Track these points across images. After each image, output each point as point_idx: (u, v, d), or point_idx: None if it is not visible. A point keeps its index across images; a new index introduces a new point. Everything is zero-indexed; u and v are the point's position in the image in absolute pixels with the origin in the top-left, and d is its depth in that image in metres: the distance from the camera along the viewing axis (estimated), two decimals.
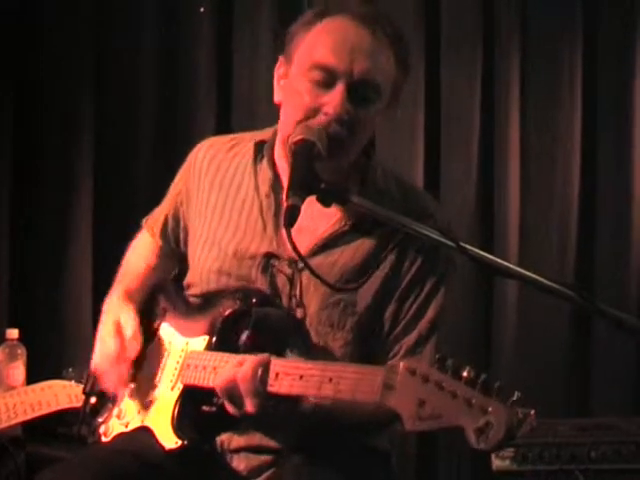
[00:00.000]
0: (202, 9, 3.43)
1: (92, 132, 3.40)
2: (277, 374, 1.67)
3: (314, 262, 1.86)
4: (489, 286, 3.59)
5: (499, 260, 1.63)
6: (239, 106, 3.46)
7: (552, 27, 3.62)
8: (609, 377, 3.60)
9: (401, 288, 1.90)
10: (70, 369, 2.83)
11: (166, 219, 2.13)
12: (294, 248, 1.72)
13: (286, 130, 1.86)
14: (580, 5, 3.63)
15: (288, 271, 1.89)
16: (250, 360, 1.68)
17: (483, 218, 3.62)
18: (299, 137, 1.77)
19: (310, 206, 1.74)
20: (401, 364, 1.47)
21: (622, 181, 3.65)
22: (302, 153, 1.76)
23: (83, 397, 2.11)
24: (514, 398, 1.37)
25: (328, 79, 1.81)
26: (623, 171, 3.65)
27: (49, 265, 3.38)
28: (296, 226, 1.70)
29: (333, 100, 1.79)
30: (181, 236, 2.11)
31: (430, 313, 1.91)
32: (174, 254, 2.15)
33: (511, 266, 1.63)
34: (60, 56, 3.38)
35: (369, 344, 1.90)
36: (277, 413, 1.70)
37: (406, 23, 3.48)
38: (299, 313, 1.88)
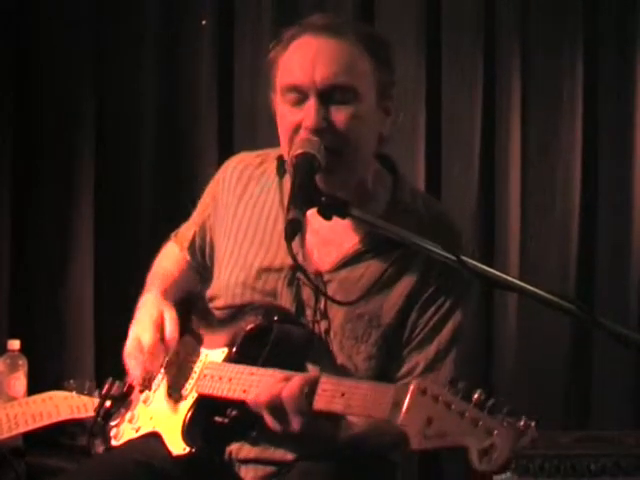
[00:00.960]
0: (204, 22, 3.44)
1: (93, 143, 3.39)
2: None
3: (340, 276, 1.89)
4: (490, 296, 3.59)
5: (499, 273, 1.64)
6: (240, 118, 3.47)
7: (553, 29, 3.63)
8: (610, 389, 3.60)
9: (421, 301, 1.90)
10: (71, 380, 2.84)
11: (194, 235, 2.16)
12: (295, 262, 1.75)
13: (284, 153, 1.90)
14: (581, 9, 3.64)
15: (313, 284, 1.90)
16: (297, 377, 1.68)
17: (484, 222, 3.61)
18: (299, 151, 1.79)
19: (336, 220, 1.76)
20: (413, 383, 1.49)
21: (623, 187, 3.65)
22: (302, 166, 1.77)
23: (87, 412, 2.12)
24: (522, 423, 1.39)
25: (300, 97, 1.84)
26: (624, 177, 3.65)
27: (50, 276, 3.37)
28: (322, 239, 1.75)
29: (307, 113, 1.82)
30: (207, 251, 2.13)
31: (448, 329, 1.91)
32: (201, 269, 2.17)
33: (511, 279, 1.63)
34: (61, 63, 3.38)
35: (393, 358, 1.90)
36: (319, 433, 1.71)
37: (408, 26, 3.51)
38: (323, 326, 1.89)
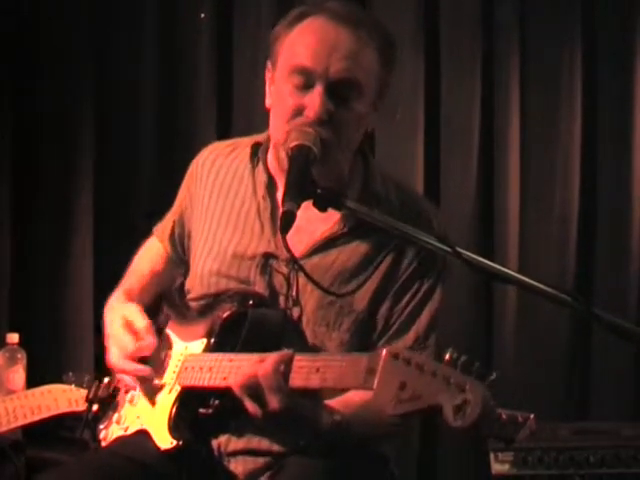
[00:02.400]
0: (202, 15, 3.44)
1: (92, 142, 3.40)
2: None
3: (311, 263, 1.89)
4: (489, 289, 3.59)
5: (495, 265, 1.64)
6: (239, 113, 3.47)
7: (552, 27, 3.62)
8: (609, 381, 3.60)
9: (395, 288, 1.91)
10: (70, 373, 2.83)
11: (173, 226, 2.16)
12: (289, 253, 1.74)
13: (275, 134, 1.89)
14: (579, 8, 3.63)
15: (285, 271, 1.91)
16: (272, 356, 1.68)
17: (483, 221, 3.61)
18: (295, 142, 1.78)
19: (308, 208, 1.75)
20: (385, 349, 1.49)
21: (622, 187, 3.64)
22: (298, 158, 1.77)
23: (85, 404, 2.12)
24: (492, 377, 1.38)
25: (307, 81, 1.82)
26: (623, 176, 3.64)
27: (49, 270, 3.38)
28: (294, 227, 1.71)
29: (312, 102, 1.80)
30: (185, 242, 2.13)
31: (425, 316, 1.93)
32: (181, 262, 2.17)
33: (507, 271, 1.64)
34: (60, 60, 3.39)
35: (366, 345, 1.90)
36: (300, 413, 1.70)
37: (406, 24, 3.50)
38: (295, 313, 1.90)
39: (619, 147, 3.65)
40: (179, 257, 2.17)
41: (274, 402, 1.66)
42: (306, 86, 1.82)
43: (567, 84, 3.64)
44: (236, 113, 3.48)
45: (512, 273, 1.63)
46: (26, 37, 3.35)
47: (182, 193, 2.14)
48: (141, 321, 1.94)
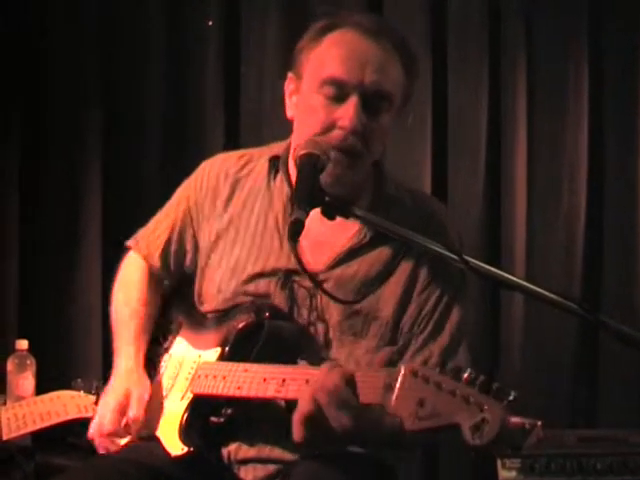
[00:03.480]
0: (210, 22, 3.45)
1: (100, 150, 3.41)
2: (284, 380, 1.71)
3: (335, 274, 1.90)
4: (496, 296, 3.59)
5: (502, 273, 1.65)
6: (247, 119, 3.48)
7: (558, 32, 3.62)
8: (616, 387, 3.59)
9: (420, 290, 1.92)
10: (79, 379, 2.84)
11: (169, 240, 2.11)
12: (299, 262, 1.75)
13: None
14: (586, 11, 3.63)
15: (309, 285, 1.90)
16: (336, 371, 1.64)
17: (490, 225, 3.62)
18: (304, 151, 1.79)
19: (326, 221, 1.76)
20: (403, 366, 1.51)
21: (629, 193, 3.65)
22: (306, 166, 1.78)
23: (93, 410, 2.13)
24: (510, 398, 1.40)
25: (340, 93, 1.83)
26: (630, 183, 3.64)
27: (58, 276, 3.39)
28: (315, 241, 1.75)
29: (347, 113, 1.82)
30: (188, 256, 2.09)
31: (455, 316, 1.93)
32: (168, 276, 2.14)
33: (514, 278, 1.65)
34: (68, 64, 3.39)
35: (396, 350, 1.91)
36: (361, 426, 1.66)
37: (413, 31, 3.50)
38: (320, 325, 1.90)
39: (626, 152, 3.65)
40: (167, 273, 2.13)
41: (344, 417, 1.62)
42: (339, 98, 1.83)
43: (574, 90, 3.64)
44: (244, 120, 3.49)
45: (519, 280, 1.64)
46: (34, 45, 3.36)
47: (182, 206, 2.10)
48: (133, 410, 1.93)
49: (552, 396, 3.53)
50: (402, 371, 1.51)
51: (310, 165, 1.77)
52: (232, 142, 3.41)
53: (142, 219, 3.35)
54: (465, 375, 1.44)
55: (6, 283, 3.33)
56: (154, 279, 2.16)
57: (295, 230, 1.68)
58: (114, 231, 3.41)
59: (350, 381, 1.61)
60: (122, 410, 1.94)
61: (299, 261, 1.74)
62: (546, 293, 1.60)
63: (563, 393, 3.60)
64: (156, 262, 2.14)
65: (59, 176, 3.42)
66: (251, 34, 3.48)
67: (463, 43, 3.59)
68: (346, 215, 1.77)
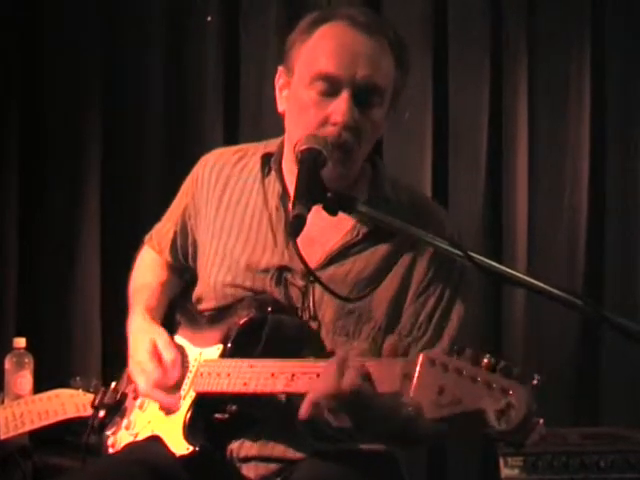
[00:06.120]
0: (209, 18, 3.44)
1: (99, 147, 3.41)
2: (293, 375, 1.68)
3: (327, 273, 1.87)
4: (498, 293, 3.58)
5: (506, 268, 1.63)
6: (246, 113, 3.47)
7: (561, 30, 3.60)
8: (619, 385, 3.58)
9: (417, 293, 1.90)
10: (77, 378, 2.82)
11: (174, 236, 2.13)
12: (301, 259, 1.72)
13: (294, 142, 1.85)
14: (589, 11, 3.62)
15: (301, 283, 1.89)
16: (352, 369, 1.61)
17: (491, 222, 3.61)
18: (305, 146, 1.77)
19: (320, 217, 1.74)
20: (421, 355, 1.48)
21: (631, 190, 3.64)
22: (308, 162, 1.76)
23: (91, 410, 2.11)
24: (535, 381, 1.38)
25: (332, 88, 1.81)
26: (632, 180, 3.64)
27: (56, 274, 3.38)
28: (307, 238, 1.71)
29: (339, 109, 1.80)
30: (190, 250, 2.11)
31: (454, 319, 1.91)
32: (182, 269, 2.15)
33: (518, 274, 1.63)
34: (67, 66, 3.40)
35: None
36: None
37: (413, 30, 3.49)
38: (313, 324, 1.88)
39: (627, 147, 3.63)
40: (181, 265, 2.15)
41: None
42: (330, 92, 1.81)
43: (576, 89, 3.62)
44: (243, 116, 3.48)
45: (521, 276, 1.62)
46: (34, 45, 3.36)
47: (183, 201, 2.11)
48: (169, 354, 1.92)
49: (554, 394, 3.52)
50: (420, 359, 1.48)
51: (311, 160, 1.76)
52: (232, 137, 3.40)
53: (142, 218, 3.38)
54: (485, 360, 1.42)
55: (4, 281, 3.33)
56: (170, 268, 2.18)
57: (297, 226, 1.66)
58: (113, 229, 3.42)
59: (366, 376, 1.59)
60: (158, 357, 1.92)
61: (301, 257, 1.71)
62: (550, 289, 1.58)
63: (566, 390, 3.59)
64: (168, 257, 2.17)
65: (59, 175, 3.41)
66: (251, 29, 3.46)
67: (464, 43, 3.58)
68: (349, 211, 1.75)
